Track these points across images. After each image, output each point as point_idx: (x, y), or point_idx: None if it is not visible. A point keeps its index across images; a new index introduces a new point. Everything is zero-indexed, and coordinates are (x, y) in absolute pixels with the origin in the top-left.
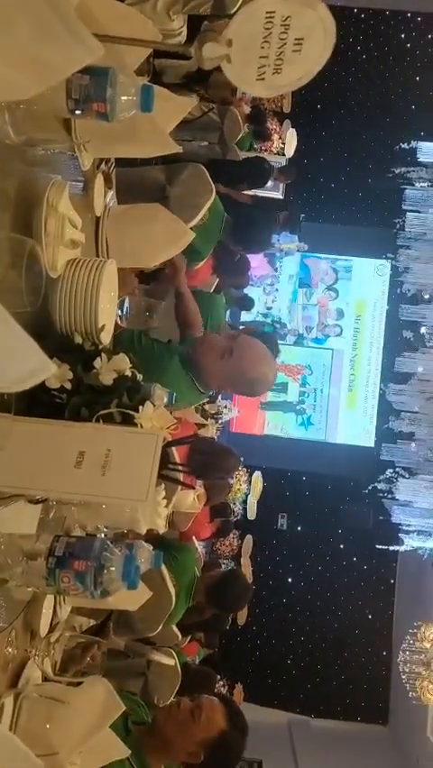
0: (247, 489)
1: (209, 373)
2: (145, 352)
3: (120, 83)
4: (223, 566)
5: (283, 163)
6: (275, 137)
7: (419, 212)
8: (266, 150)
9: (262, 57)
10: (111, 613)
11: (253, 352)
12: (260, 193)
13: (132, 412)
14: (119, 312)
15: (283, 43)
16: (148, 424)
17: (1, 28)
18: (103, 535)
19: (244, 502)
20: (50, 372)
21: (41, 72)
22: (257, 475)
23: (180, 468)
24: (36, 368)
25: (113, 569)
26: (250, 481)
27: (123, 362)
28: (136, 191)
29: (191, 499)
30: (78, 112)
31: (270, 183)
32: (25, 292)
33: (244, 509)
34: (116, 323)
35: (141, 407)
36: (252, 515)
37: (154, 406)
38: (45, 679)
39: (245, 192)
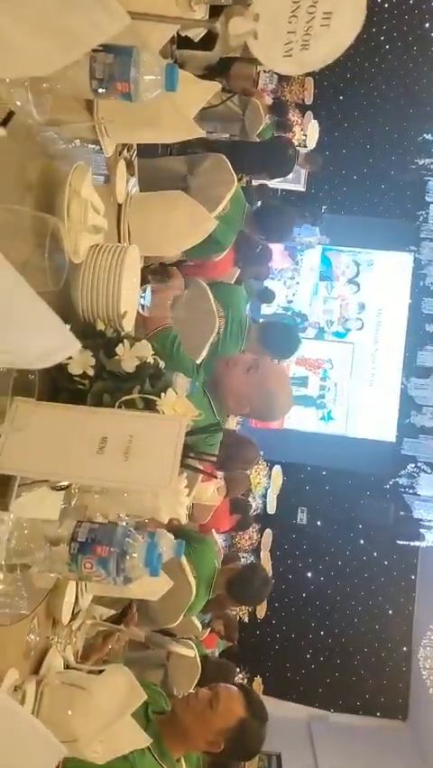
0: (267, 483)
1: (230, 388)
2: (175, 358)
3: (144, 62)
4: (242, 560)
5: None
6: (297, 128)
7: None
8: None
9: (289, 32)
10: (131, 602)
11: (279, 372)
12: (281, 186)
13: (154, 398)
14: (141, 301)
15: (312, 17)
16: (170, 411)
17: None
18: (125, 524)
19: (264, 496)
20: (76, 349)
21: (66, 43)
22: (277, 469)
23: (202, 456)
24: (61, 344)
25: (135, 555)
26: (270, 475)
27: (145, 349)
28: (157, 182)
29: (211, 491)
30: (101, 90)
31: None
32: (48, 271)
33: (264, 503)
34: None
35: (163, 394)
36: (271, 509)
37: (177, 393)
38: (67, 666)
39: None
